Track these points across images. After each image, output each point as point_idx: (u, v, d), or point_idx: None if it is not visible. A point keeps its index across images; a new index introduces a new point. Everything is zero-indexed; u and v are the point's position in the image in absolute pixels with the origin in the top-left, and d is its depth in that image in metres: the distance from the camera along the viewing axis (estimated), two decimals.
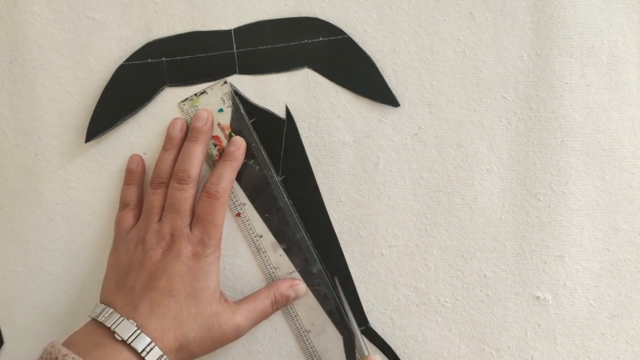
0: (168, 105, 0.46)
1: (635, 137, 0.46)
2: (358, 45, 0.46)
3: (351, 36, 0.46)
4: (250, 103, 0.46)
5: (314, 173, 0.47)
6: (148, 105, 0.46)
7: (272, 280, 0.47)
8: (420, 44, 0.46)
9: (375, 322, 0.47)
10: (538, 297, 0.47)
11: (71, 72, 0.46)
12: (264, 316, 0.45)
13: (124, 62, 0.46)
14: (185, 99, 0.46)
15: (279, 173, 0.46)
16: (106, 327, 0.40)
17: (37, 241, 0.48)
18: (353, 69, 0.46)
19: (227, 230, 0.47)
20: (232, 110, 0.46)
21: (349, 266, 0.47)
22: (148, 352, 0.39)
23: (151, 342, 0.39)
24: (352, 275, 0.47)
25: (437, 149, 0.46)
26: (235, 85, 0.46)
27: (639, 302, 0.47)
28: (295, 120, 0.47)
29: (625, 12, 0.45)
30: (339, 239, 0.47)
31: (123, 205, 0.46)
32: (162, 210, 0.44)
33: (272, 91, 0.46)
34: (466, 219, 0.47)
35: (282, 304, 0.46)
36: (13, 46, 0.46)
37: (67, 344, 0.40)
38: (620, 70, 0.46)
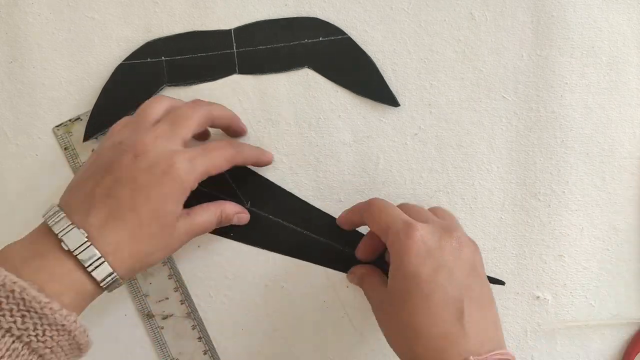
0: None
1: (635, 137, 0.46)
2: (358, 45, 0.46)
3: (351, 36, 0.46)
4: None
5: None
6: None
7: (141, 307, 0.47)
8: (420, 44, 0.46)
9: (374, 321, 0.47)
10: (538, 297, 0.47)
11: (71, 72, 0.46)
12: (205, 232, 0.42)
13: (123, 61, 0.46)
14: (60, 124, 0.46)
15: None
16: (54, 234, 0.35)
17: None
18: (353, 69, 0.46)
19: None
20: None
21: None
22: (96, 268, 0.35)
23: (101, 257, 0.35)
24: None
25: (437, 149, 0.46)
26: (235, 85, 0.46)
27: (639, 302, 0.47)
28: (296, 120, 0.46)
29: (625, 12, 0.46)
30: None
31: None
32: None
33: (272, 91, 0.46)
34: (466, 219, 0.47)
35: (222, 225, 0.43)
36: (13, 46, 0.46)
37: (2, 257, 0.35)
38: (620, 70, 0.46)
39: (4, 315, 0.32)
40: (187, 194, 0.39)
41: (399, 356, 0.38)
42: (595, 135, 0.46)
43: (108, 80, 0.46)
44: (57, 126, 0.46)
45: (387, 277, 0.39)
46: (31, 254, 0.35)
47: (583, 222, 0.47)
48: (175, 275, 0.47)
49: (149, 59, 0.46)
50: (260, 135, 0.47)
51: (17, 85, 0.47)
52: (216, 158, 0.40)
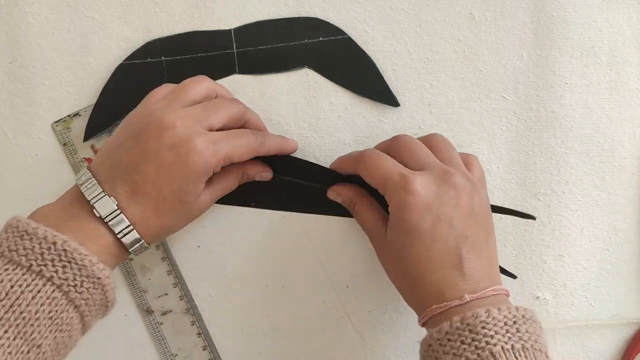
0: None
1: (635, 137, 0.46)
2: (358, 45, 0.46)
3: (351, 36, 0.46)
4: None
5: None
6: None
7: (141, 303, 0.47)
8: (420, 44, 0.46)
9: (374, 321, 0.47)
10: (538, 297, 0.47)
11: (71, 72, 0.46)
12: (227, 192, 0.43)
13: (124, 61, 0.46)
14: (59, 120, 0.46)
15: None
16: (86, 199, 0.38)
17: None
18: (353, 69, 0.46)
19: (226, 226, 0.47)
20: (107, 133, 0.46)
21: (347, 265, 0.47)
22: (125, 235, 0.38)
23: (129, 225, 0.38)
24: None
25: None
26: (235, 85, 0.46)
27: (639, 302, 0.47)
28: (296, 120, 0.46)
29: (625, 12, 0.46)
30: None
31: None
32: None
33: (272, 91, 0.46)
34: None
35: (245, 182, 0.44)
36: (13, 46, 0.46)
37: (40, 215, 0.38)
38: (620, 70, 0.46)
39: (45, 265, 0.35)
40: (210, 174, 0.39)
41: (399, 292, 0.41)
42: (595, 135, 0.46)
43: (108, 80, 0.46)
44: (55, 122, 0.46)
45: (376, 203, 0.42)
46: (67, 215, 0.37)
47: (583, 222, 0.47)
48: (174, 271, 0.47)
49: (149, 59, 0.46)
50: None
51: (17, 85, 0.47)
52: (240, 146, 0.40)
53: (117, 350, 0.48)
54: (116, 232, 0.38)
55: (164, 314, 0.47)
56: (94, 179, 0.38)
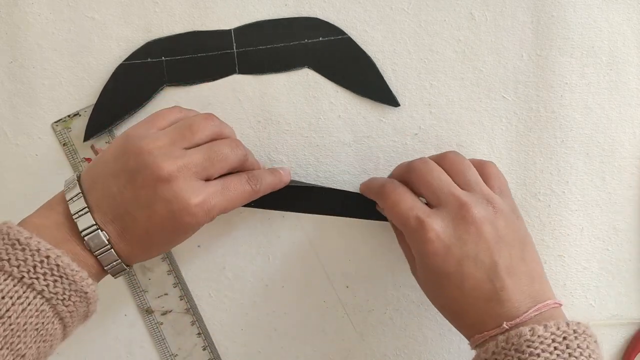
0: (167, 104, 0.46)
1: (635, 137, 0.46)
2: (358, 45, 0.46)
3: (351, 36, 0.46)
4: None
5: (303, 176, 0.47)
6: (147, 104, 0.46)
7: (141, 302, 0.47)
8: (420, 44, 0.46)
9: (374, 321, 0.47)
10: None
11: (71, 72, 0.46)
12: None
13: (124, 61, 0.46)
14: (58, 120, 0.46)
15: None
16: (78, 228, 0.37)
17: None
18: (353, 69, 0.46)
19: (226, 226, 0.47)
20: (107, 133, 0.46)
21: (348, 265, 0.47)
22: (112, 267, 0.38)
23: (118, 260, 0.38)
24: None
25: (437, 149, 0.46)
26: (235, 85, 0.46)
27: (639, 302, 0.47)
28: (296, 120, 0.46)
29: (625, 12, 0.45)
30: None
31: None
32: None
33: (272, 91, 0.46)
34: None
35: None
36: (13, 46, 0.46)
37: (32, 228, 0.37)
38: (620, 70, 0.46)
39: (37, 278, 0.35)
40: (201, 227, 0.39)
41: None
42: (595, 135, 0.46)
43: (108, 80, 0.46)
44: (55, 122, 0.47)
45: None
46: (58, 238, 0.37)
47: (583, 222, 0.47)
48: (174, 271, 0.47)
49: (149, 59, 0.46)
50: (260, 135, 0.47)
51: (17, 85, 0.47)
52: (234, 200, 0.40)
53: (117, 350, 0.48)
54: (104, 264, 0.38)
55: (164, 314, 0.47)
56: (87, 207, 0.37)
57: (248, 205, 0.45)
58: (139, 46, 0.46)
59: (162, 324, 0.47)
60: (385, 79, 0.46)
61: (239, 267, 0.47)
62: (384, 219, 0.45)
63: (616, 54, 0.46)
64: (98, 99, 0.46)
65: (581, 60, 0.46)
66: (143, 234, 0.38)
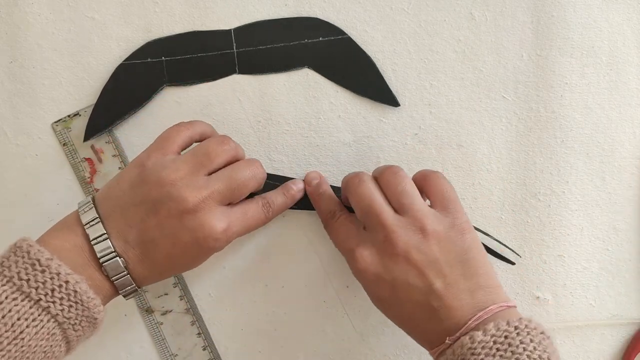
0: (167, 104, 0.46)
1: (635, 137, 0.46)
2: (358, 45, 0.46)
3: (351, 36, 0.46)
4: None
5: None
6: (147, 104, 0.46)
7: (141, 302, 0.47)
8: (420, 44, 0.46)
9: (374, 321, 0.47)
10: (538, 297, 0.47)
11: (71, 72, 0.46)
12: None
13: (124, 61, 0.46)
14: (59, 120, 0.46)
15: None
16: (96, 255, 0.38)
17: None
18: (353, 69, 0.46)
19: None
20: (107, 133, 0.46)
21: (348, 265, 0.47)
22: (128, 293, 0.39)
23: (134, 285, 0.39)
24: None
25: (437, 149, 0.46)
26: (235, 85, 0.46)
27: (639, 302, 0.47)
28: (296, 120, 0.46)
29: (625, 12, 0.45)
30: None
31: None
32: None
33: (272, 91, 0.46)
34: None
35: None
36: (13, 46, 0.46)
37: (51, 248, 0.37)
38: (620, 70, 0.46)
39: (54, 302, 0.35)
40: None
41: None
42: (595, 135, 0.46)
43: (108, 80, 0.46)
44: (55, 122, 0.46)
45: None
46: (78, 261, 0.37)
47: (583, 222, 0.47)
48: None
49: (149, 59, 0.46)
50: (260, 135, 0.47)
51: (17, 85, 0.47)
52: (251, 226, 0.42)
53: (117, 350, 0.48)
54: (119, 289, 0.39)
55: (164, 314, 0.47)
56: (106, 233, 0.38)
57: None
58: (139, 46, 0.46)
59: (162, 324, 0.47)
60: (385, 79, 0.46)
61: (239, 267, 0.47)
62: None
63: (616, 54, 0.46)
64: (98, 99, 0.46)
65: (581, 60, 0.46)
66: (164, 260, 0.39)
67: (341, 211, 0.43)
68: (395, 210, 0.39)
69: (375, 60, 0.46)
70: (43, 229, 0.48)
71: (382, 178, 0.41)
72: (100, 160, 0.47)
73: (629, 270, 0.47)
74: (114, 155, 0.47)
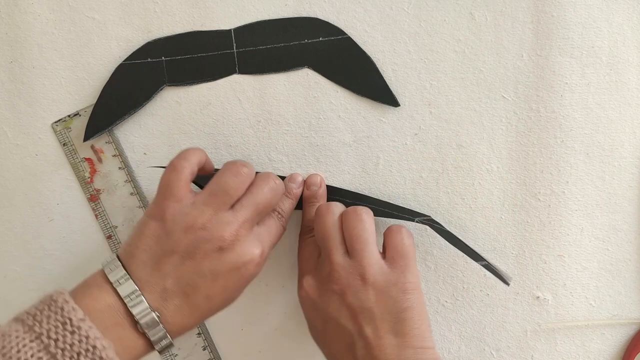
0: (167, 104, 0.46)
1: (635, 137, 0.46)
2: (358, 45, 0.46)
3: (351, 36, 0.46)
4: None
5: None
6: (147, 104, 0.46)
7: None
8: (420, 44, 0.46)
9: None
10: (538, 297, 0.47)
11: (71, 72, 0.46)
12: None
13: (124, 61, 0.46)
14: (58, 120, 0.46)
15: None
16: (130, 311, 0.37)
17: (37, 241, 0.48)
18: (353, 69, 0.46)
19: None
20: (107, 133, 0.46)
21: None
22: (163, 347, 0.38)
23: (168, 337, 0.38)
24: None
25: (437, 149, 0.46)
26: (235, 85, 0.46)
27: (639, 302, 0.47)
28: (296, 120, 0.46)
29: (625, 12, 0.45)
30: None
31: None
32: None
33: (272, 91, 0.46)
34: (466, 219, 0.47)
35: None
36: (13, 46, 0.46)
37: (83, 306, 0.36)
38: (620, 70, 0.46)
39: None
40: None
41: None
42: (595, 135, 0.46)
43: (108, 80, 0.46)
44: (55, 122, 0.47)
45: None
46: (110, 321, 0.37)
47: (583, 222, 0.47)
48: None
49: (149, 59, 0.46)
50: (260, 135, 0.47)
51: (17, 85, 0.47)
52: (277, 240, 0.43)
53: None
54: (155, 344, 0.38)
55: None
56: (138, 290, 0.37)
57: None
58: (139, 46, 0.46)
59: None
60: (385, 79, 0.46)
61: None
62: (383, 216, 0.45)
63: (616, 54, 0.46)
64: (98, 99, 0.46)
65: (581, 60, 0.46)
66: (203, 301, 0.38)
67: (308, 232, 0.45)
68: (348, 251, 0.41)
69: (375, 60, 0.46)
70: (43, 229, 0.48)
71: (345, 216, 0.42)
72: (100, 160, 0.47)
73: (629, 270, 0.47)
74: (114, 155, 0.47)
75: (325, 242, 0.41)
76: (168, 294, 0.38)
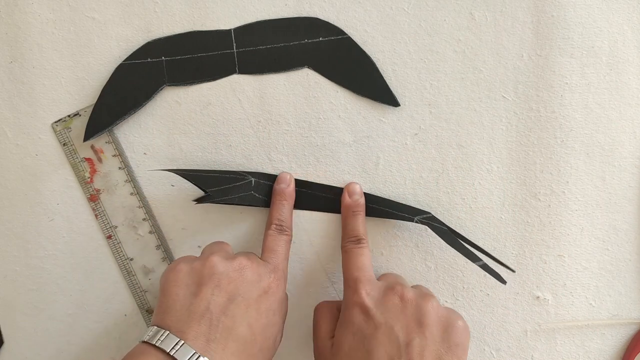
0: (167, 104, 0.46)
1: (635, 137, 0.46)
2: (358, 45, 0.46)
3: (351, 36, 0.46)
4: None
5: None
6: (147, 104, 0.46)
7: (141, 303, 0.47)
8: (420, 44, 0.46)
9: None
10: (538, 297, 0.47)
11: (71, 72, 0.46)
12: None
13: (124, 61, 0.46)
14: (58, 120, 0.46)
15: None
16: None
17: (37, 241, 0.48)
18: (353, 69, 0.46)
19: (228, 229, 0.47)
20: (107, 133, 0.46)
21: None
22: None
23: None
24: None
25: (437, 149, 0.46)
26: (235, 85, 0.46)
27: (639, 302, 0.47)
28: (296, 120, 0.46)
29: (625, 12, 0.45)
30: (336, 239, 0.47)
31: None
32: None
33: (272, 91, 0.46)
34: (466, 219, 0.47)
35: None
36: (13, 46, 0.46)
37: None
38: (620, 70, 0.46)
39: None
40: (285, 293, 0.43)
41: None
42: (595, 135, 0.46)
43: (108, 80, 0.46)
44: (55, 122, 0.47)
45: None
46: None
47: (583, 222, 0.47)
48: None
49: (149, 59, 0.46)
50: (260, 135, 0.47)
51: (17, 85, 0.47)
52: (286, 252, 0.44)
53: (118, 350, 0.48)
54: None
55: None
56: (180, 339, 0.36)
57: (249, 204, 0.45)
58: (139, 46, 0.46)
59: None
60: (385, 79, 0.46)
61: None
62: (384, 216, 0.45)
63: (616, 54, 0.46)
64: (98, 99, 0.46)
65: (581, 60, 0.46)
66: (245, 328, 0.38)
67: (366, 240, 0.44)
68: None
69: (375, 60, 0.46)
70: (43, 229, 0.48)
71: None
72: (100, 160, 0.47)
73: (629, 270, 0.47)
74: (114, 155, 0.47)
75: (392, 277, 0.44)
76: (211, 334, 0.37)
